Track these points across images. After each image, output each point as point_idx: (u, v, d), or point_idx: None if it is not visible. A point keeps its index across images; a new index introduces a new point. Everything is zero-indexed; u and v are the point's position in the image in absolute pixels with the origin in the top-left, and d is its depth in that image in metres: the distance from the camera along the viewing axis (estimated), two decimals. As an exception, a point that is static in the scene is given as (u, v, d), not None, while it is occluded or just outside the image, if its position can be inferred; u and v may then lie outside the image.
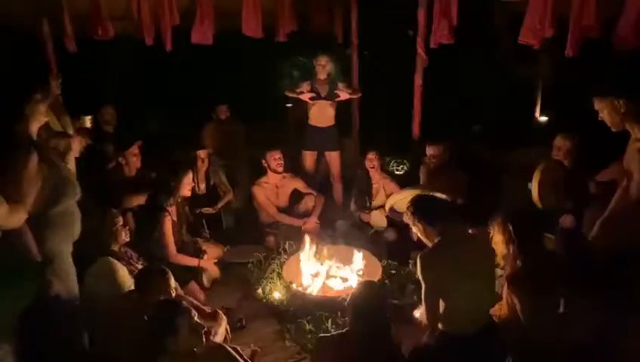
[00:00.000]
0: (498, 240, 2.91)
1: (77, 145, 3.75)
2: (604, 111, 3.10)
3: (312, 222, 4.82)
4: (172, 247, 3.93)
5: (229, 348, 2.49)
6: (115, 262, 3.08)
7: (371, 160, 4.88)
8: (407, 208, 2.81)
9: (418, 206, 2.77)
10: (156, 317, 2.32)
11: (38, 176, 2.28)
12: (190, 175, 4.22)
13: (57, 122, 3.69)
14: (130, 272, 3.15)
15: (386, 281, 3.84)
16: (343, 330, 2.60)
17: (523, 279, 2.77)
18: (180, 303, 2.40)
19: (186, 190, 4.17)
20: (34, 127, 2.43)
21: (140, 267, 3.41)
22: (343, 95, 5.28)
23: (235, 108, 6.07)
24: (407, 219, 2.81)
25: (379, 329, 2.47)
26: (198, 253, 4.15)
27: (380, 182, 4.97)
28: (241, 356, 2.55)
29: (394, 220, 4.46)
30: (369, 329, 2.45)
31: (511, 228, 2.84)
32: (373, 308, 2.47)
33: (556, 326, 2.77)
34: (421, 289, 2.66)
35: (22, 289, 1.34)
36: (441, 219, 2.70)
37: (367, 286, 2.66)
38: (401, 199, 4.11)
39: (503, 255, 2.91)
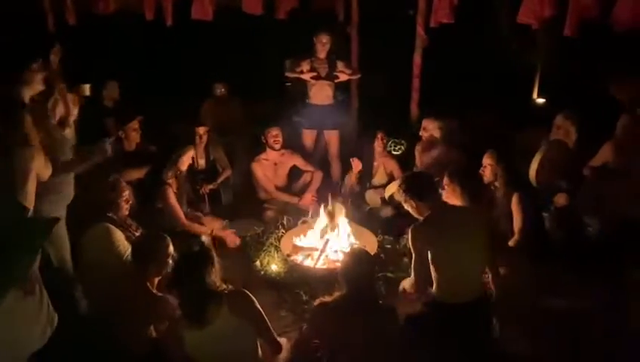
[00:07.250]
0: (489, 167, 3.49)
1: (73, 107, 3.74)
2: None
3: (309, 197, 4.87)
4: (181, 215, 4.00)
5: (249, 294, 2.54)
6: (112, 227, 3.08)
7: (380, 139, 4.94)
8: (399, 186, 2.90)
9: (408, 183, 2.87)
10: (198, 252, 2.50)
11: (34, 137, 2.33)
12: (192, 151, 4.27)
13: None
14: (127, 238, 3.15)
15: (382, 255, 3.92)
16: (338, 297, 2.63)
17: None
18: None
19: (184, 165, 4.21)
20: (27, 93, 2.54)
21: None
22: (343, 76, 5.27)
23: (234, 85, 6.07)
24: (399, 197, 2.90)
25: (367, 296, 2.53)
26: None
27: (380, 160, 5.03)
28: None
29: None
30: (359, 296, 2.50)
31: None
32: (363, 274, 2.52)
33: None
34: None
35: (30, 244, 1.38)
36: (430, 194, 2.81)
37: (356, 253, 2.71)
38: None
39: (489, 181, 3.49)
